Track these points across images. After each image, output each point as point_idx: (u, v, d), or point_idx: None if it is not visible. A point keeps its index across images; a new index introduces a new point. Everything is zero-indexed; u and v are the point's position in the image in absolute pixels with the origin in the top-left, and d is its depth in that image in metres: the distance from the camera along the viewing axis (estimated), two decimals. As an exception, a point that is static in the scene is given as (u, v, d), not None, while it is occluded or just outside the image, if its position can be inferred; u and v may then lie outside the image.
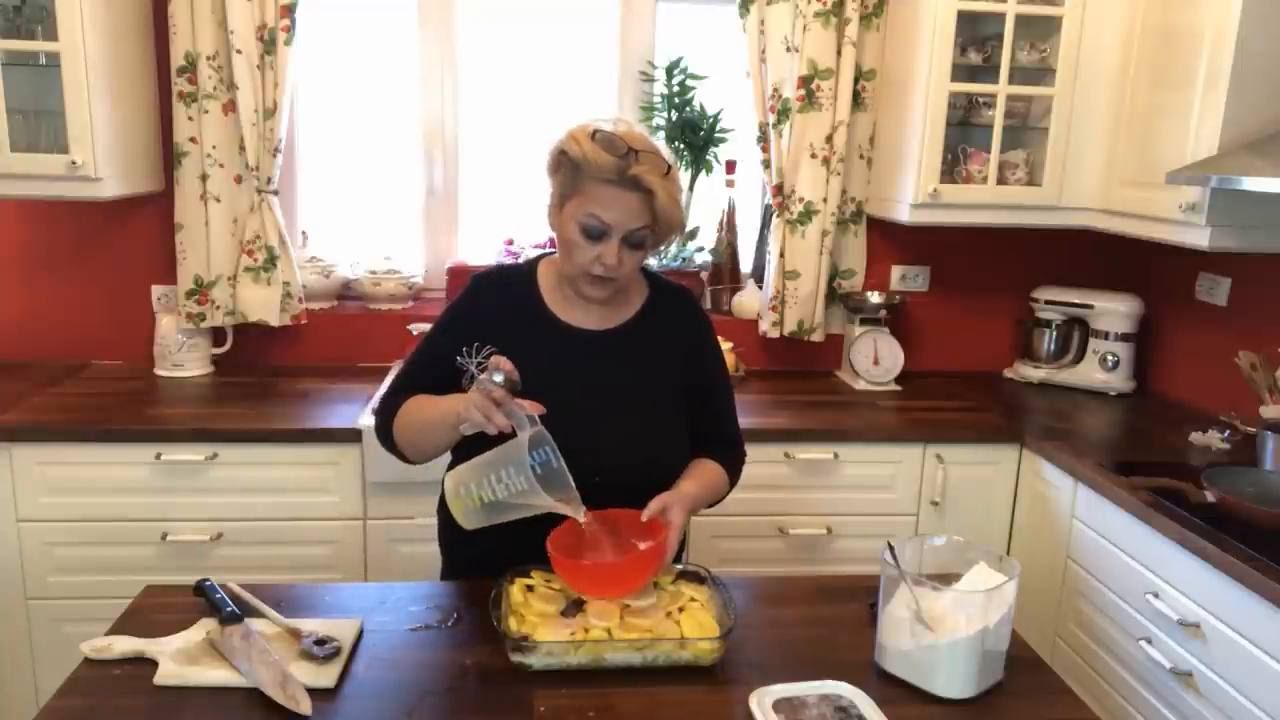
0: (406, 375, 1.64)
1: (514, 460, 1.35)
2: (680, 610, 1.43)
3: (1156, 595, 1.96)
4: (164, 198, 2.75)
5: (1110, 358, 2.84)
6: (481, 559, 1.55)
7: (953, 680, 1.31)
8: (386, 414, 1.60)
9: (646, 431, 1.59)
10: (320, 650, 1.34)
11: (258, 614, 1.45)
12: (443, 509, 1.70)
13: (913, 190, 2.61)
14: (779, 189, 2.81)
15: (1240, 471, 2.05)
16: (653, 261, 2.91)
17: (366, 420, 2.35)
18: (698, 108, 2.88)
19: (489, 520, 1.42)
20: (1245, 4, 2.10)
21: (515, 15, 2.93)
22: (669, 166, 1.49)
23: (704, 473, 1.63)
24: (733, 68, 2.85)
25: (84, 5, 2.29)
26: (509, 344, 1.54)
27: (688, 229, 2.96)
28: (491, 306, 1.62)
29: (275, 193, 2.70)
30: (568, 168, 1.51)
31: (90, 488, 2.31)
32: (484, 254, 2.97)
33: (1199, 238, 2.23)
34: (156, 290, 2.84)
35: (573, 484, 1.41)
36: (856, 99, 2.82)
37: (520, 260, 1.92)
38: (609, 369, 1.60)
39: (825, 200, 2.81)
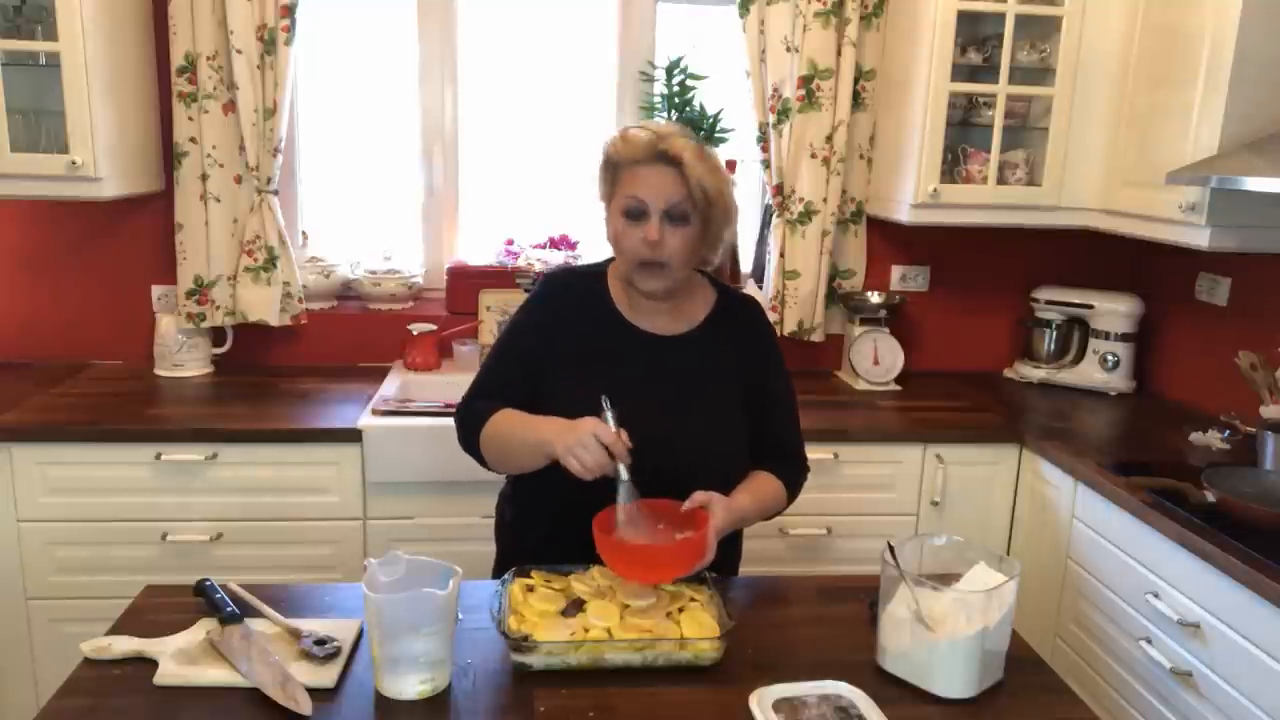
0: (488, 379, 1.67)
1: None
2: (680, 610, 1.43)
3: (1156, 595, 1.96)
4: (164, 198, 2.75)
5: (1110, 358, 2.84)
6: (535, 554, 1.57)
7: (953, 680, 1.31)
8: (472, 421, 1.61)
9: (701, 434, 1.60)
10: (320, 650, 1.34)
11: (258, 614, 1.45)
12: (500, 506, 1.79)
13: (913, 190, 2.61)
14: (779, 189, 2.81)
15: (1240, 471, 2.04)
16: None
17: (366, 420, 2.35)
18: (698, 108, 2.88)
19: None
20: (1245, 4, 2.10)
21: (515, 15, 2.93)
22: (701, 147, 1.53)
23: (758, 485, 1.64)
24: (733, 68, 2.84)
25: (84, 5, 2.29)
26: (581, 343, 1.61)
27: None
28: (565, 306, 1.66)
29: (275, 193, 2.69)
30: (608, 168, 1.57)
31: (90, 488, 2.31)
32: (484, 254, 2.98)
33: (1199, 238, 2.23)
34: (156, 290, 2.84)
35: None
36: (856, 99, 2.82)
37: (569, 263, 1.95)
38: (671, 371, 1.62)
39: (825, 200, 2.81)
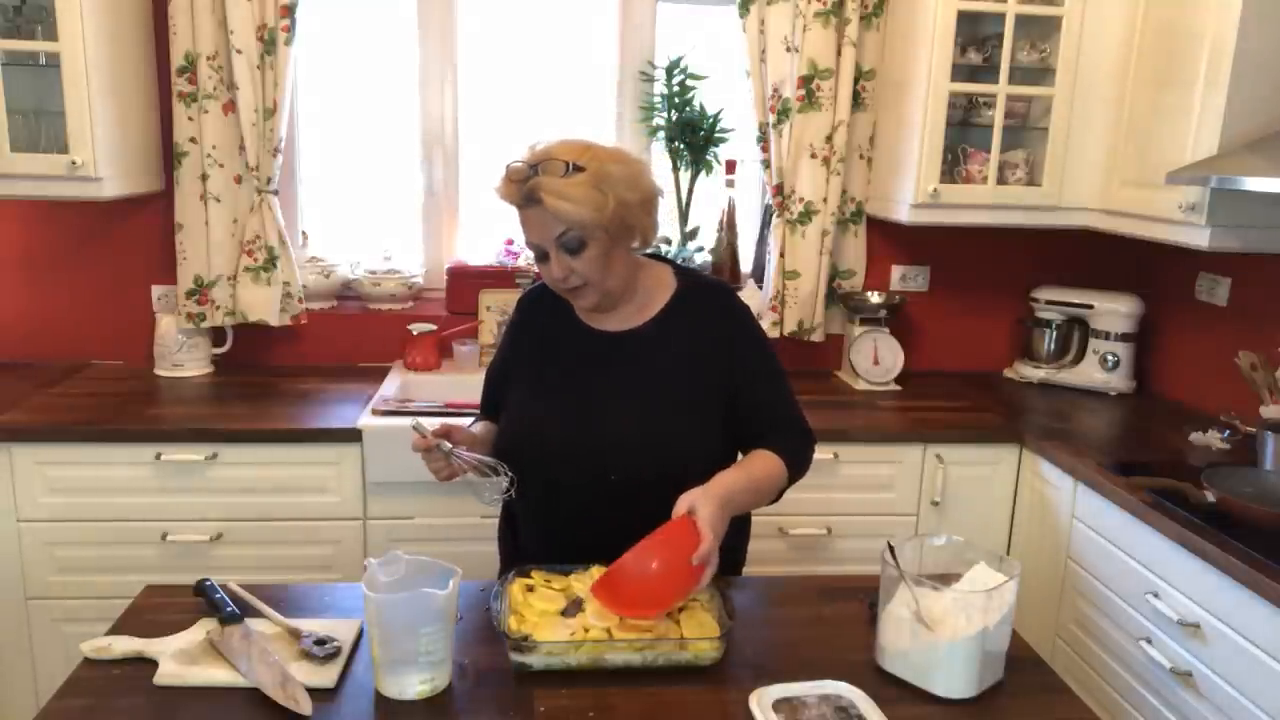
0: (482, 398, 1.80)
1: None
2: (680, 610, 1.43)
3: (1156, 595, 1.96)
4: (164, 198, 2.76)
5: (1110, 358, 2.84)
6: (535, 560, 1.56)
7: (953, 680, 1.31)
8: None
9: (655, 428, 1.58)
10: (320, 650, 1.34)
11: (258, 614, 1.45)
12: (504, 511, 1.81)
13: (913, 190, 2.61)
14: (779, 189, 2.81)
15: (1240, 471, 2.04)
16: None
17: (366, 420, 2.35)
18: (698, 108, 2.88)
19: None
20: (1245, 4, 2.10)
21: (515, 15, 2.93)
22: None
23: (751, 462, 1.60)
24: (733, 68, 2.84)
25: (84, 5, 2.29)
26: (541, 347, 1.67)
27: (688, 228, 2.96)
28: (534, 320, 1.72)
29: (275, 193, 2.69)
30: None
31: (90, 488, 2.31)
32: (484, 254, 2.98)
33: (1199, 238, 2.23)
34: (156, 290, 2.84)
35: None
36: (856, 99, 2.82)
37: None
38: (621, 368, 1.62)
39: (825, 200, 2.81)
